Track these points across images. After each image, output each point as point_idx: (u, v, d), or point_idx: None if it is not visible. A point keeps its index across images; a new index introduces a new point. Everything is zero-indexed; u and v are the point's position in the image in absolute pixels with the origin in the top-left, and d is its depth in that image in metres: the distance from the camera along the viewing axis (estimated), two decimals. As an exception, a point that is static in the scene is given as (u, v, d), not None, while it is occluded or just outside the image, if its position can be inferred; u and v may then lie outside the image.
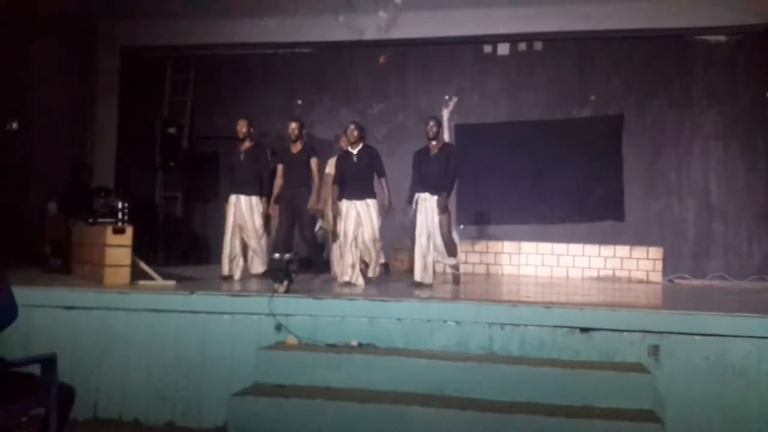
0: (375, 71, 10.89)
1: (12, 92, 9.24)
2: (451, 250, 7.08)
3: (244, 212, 7.35)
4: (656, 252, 9.20)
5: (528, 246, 9.59)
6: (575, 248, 9.44)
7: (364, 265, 7.13)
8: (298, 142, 7.49)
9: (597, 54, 10.36)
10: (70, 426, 3.55)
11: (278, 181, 7.51)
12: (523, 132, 10.37)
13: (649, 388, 4.43)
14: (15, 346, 4.95)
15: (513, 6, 9.91)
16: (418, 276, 6.86)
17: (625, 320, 4.86)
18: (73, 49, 10.76)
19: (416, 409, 4.30)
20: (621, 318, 4.89)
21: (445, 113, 7.57)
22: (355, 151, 7.13)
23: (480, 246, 9.59)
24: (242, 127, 7.55)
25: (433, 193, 6.91)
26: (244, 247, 7.44)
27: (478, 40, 10.53)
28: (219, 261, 7.54)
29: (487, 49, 10.62)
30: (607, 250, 9.34)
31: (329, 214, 7.82)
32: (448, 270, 7.33)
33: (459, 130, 10.09)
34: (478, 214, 10.24)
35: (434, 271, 7.09)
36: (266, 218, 7.48)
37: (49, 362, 3.15)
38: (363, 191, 7.02)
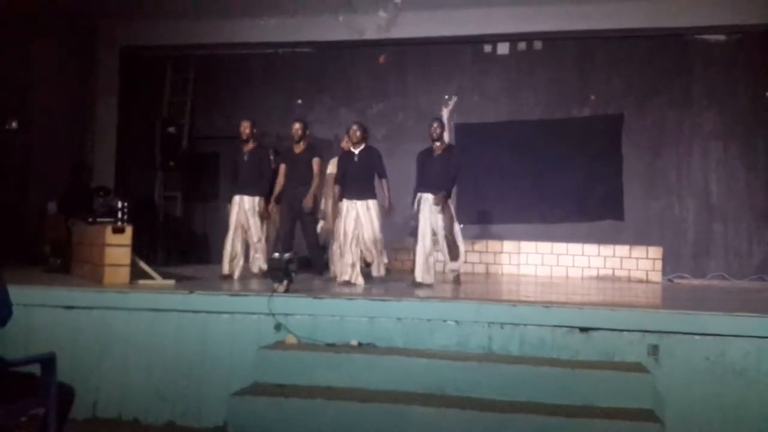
0: (375, 71, 10.89)
1: (12, 92, 9.24)
2: (453, 252, 7.09)
3: (248, 212, 7.37)
4: (656, 251, 9.19)
5: (527, 245, 9.59)
6: (575, 248, 9.44)
7: (365, 265, 7.15)
8: (302, 143, 7.52)
9: (597, 53, 10.36)
10: (70, 425, 3.55)
11: (280, 180, 7.54)
12: (523, 132, 10.38)
13: (649, 388, 4.43)
14: (15, 345, 4.95)
15: (513, 6, 9.91)
16: (419, 276, 6.87)
17: (624, 320, 4.86)
18: (73, 49, 10.77)
19: (416, 408, 4.30)
20: (620, 318, 4.88)
21: (445, 113, 7.57)
22: (357, 151, 7.14)
23: (480, 245, 9.59)
24: (245, 128, 7.57)
25: (435, 193, 6.93)
26: (246, 248, 7.46)
27: (477, 40, 10.53)
28: (219, 260, 7.55)
29: (487, 48, 10.63)
30: (606, 250, 9.35)
31: (329, 214, 7.84)
32: (449, 271, 7.33)
33: (459, 129, 10.09)
34: (478, 214, 10.24)
35: (434, 271, 7.10)
36: (262, 218, 7.47)
37: (48, 362, 3.15)
38: (364, 191, 7.03)
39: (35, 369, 3.16)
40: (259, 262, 7.40)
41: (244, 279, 7.32)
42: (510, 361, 4.73)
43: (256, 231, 7.39)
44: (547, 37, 10.35)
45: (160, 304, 5.45)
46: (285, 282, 5.44)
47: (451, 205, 7.19)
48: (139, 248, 6.60)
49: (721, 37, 10.01)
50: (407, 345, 5.04)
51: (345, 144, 7.79)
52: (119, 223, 6.13)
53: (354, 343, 5.02)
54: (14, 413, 3.08)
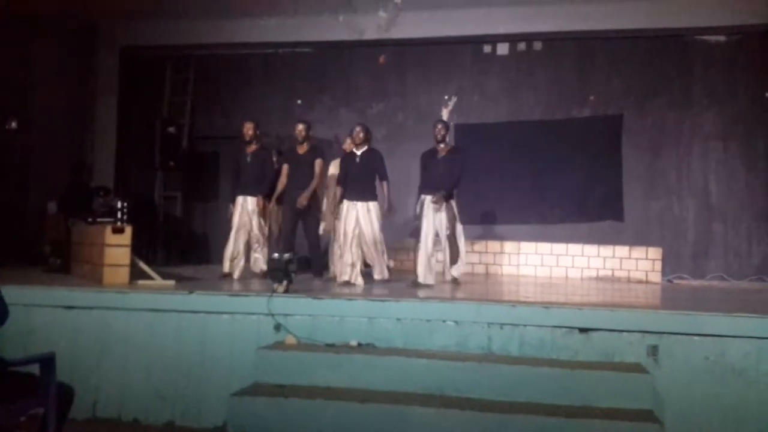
0: (375, 71, 10.89)
1: (12, 92, 9.24)
2: (454, 253, 7.10)
3: (251, 213, 7.43)
4: (655, 252, 9.20)
5: (527, 246, 9.60)
6: (574, 248, 9.44)
7: (365, 266, 7.16)
8: (305, 143, 7.52)
9: (597, 54, 10.35)
10: (69, 425, 3.56)
11: (282, 180, 7.55)
12: (523, 132, 10.37)
13: (648, 389, 4.44)
14: (14, 345, 4.95)
15: (512, 6, 9.91)
16: (421, 277, 6.88)
17: (624, 320, 4.86)
18: (73, 49, 10.76)
19: (416, 409, 4.31)
20: (620, 318, 4.89)
21: (445, 113, 7.60)
22: (359, 153, 7.18)
23: (479, 246, 9.59)
24: (249, 129, 7.61)
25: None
26: (247, 248, 7.49)
27: (477, 40, 10.52)
28: (219, 261, 7.58)
29: (487, 49, 10.61)
30: (606, 251, 9.35)
31: (329, 214, 7.85)
32: (454, 274, 7.34)
33: (459, 130, 10.10)
34: (477, 214, 10.23)
35: (435, 272, 7.11)
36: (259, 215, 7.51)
37: (48, 362, 3.15)
38: (365, 193, 7.06)
39: (35, 369, 3.16)
40: (260, 263, 7.42)
41: (244, 279, 7.33)
42: (509, 361, 4.73)
43: (259, 231, 7.45)
44: (547, 38, 10.34)
45: (160, 304, 5.46)
46: (285, 282, 5.45)
47: (455, 205, 7.19)
48: (138, 248, 6.61)
49: (721, 38, 10.00)
50: (407, 345, 5.04)
51: (347, 146, 7.83)
52: (119, 223, 6.14)
53: (353, 343, 5.02)
54: (14, 413, 3.08)
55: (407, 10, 10.05)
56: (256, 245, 7.46)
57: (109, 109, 11.26)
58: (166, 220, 10.84)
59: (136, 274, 6.24)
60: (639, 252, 9.24)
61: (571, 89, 10.36)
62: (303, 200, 7.26)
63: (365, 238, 7.01)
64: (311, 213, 7.42)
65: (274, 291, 5.37)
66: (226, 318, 5.32)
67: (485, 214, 10.21)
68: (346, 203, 7.11)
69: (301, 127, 7.54)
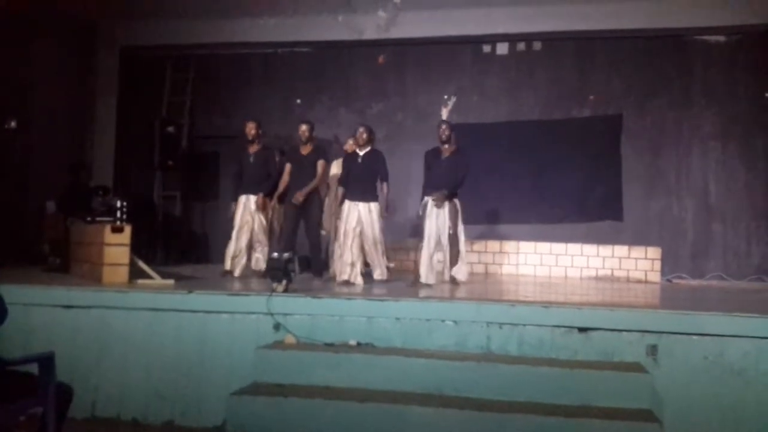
0: (374, 71, 10.89)
1: (12, 92, 9.23)
2: (454, 253, 7.11)
3: (253, 212, 7.50)
4: (655, 252, 9.20)
5: (526, 246, 9.60)
6: (573, 248, 9.44)
7: (364, 266, 7.17)
8: (309, 144, 7.53)
9: (596, 54, 10.36)
10: (69, 425, 3.56)
11: (285, 179, 7.56)
12: (523, 132, 10.37)
13: (648, 388, 4.44)
14: (14, 345, 4.95)
15: (512, 6, 9.91)
16: (423, 277, 6.91)
17: (623, 320, 4.86)
18: (73, 48, 10.77)
19: (415, 408, 4.31)
20: (619, 318, 4.89)
21: (444, 113, 7.60)
22: (361, 153, 7.20)
23: (478, 245, 9.59)
24: (251, 129, 7.65)
25: None
26: (249, 247, 7.54)
27: (477, 40, 10.52)
28: (218, 260, 7.62)
29: (486, 48, 10.61)
30: (605, 250, 9.35)
31: (330, 215, 7.86)
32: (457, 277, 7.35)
33: (458, 129, 9.97)
34: (476, 214, 10.20)
35: (436, 272, 7.14)
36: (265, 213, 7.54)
37: (47, 361, 3.15)
38: (366, 193, 7.09)
39: (34, 368, 3.16)
40: (261, 263, 7.46)
41: (245, 278, 7.35)
42: (508, 361, 4.73)
43: (261, 231, 7.49)
44: (547, 38, 10.34)
45: (159, 303, 5.46)
46: (284, 282, 5.45)
47: (458, 205, 7.20)
48: (138, 247, 6.61)
49: (721, 38, 10.00)
50: (406, 345, 5.04)
51: (349, 146, 7.85)
52: (118, 223, 6.14)
53: (353, 342, 5.02)
54: (13, 412, 3.08)
55: (406, 10, 10.04)
56: (258, 245, 7.51)
57: (108, 109, 11.26)
58: (165, 220, 10.84)
59: (135, 273, 6.24)
60: (638, 252, 9.24)
61: (571, 89, 10.36)
62: (300, 196, 7.26)
63: (366, 238, 7.05)
64: (313, 213, 7.43)
65: (273, 290, 5.37)
66: (225, 317, 5.32)
67: (485, 214, 10.21)
68: (347, 203, 7.13)
69: (304, 127, 7.55)
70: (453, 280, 7.17)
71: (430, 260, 6.95)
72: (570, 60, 10.42)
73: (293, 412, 4.42)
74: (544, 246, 9.53)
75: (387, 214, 7.19)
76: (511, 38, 10.45)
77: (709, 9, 9.62)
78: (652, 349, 4.73)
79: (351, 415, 4.34)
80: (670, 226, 9.93)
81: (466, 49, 10.67)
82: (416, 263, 7.26)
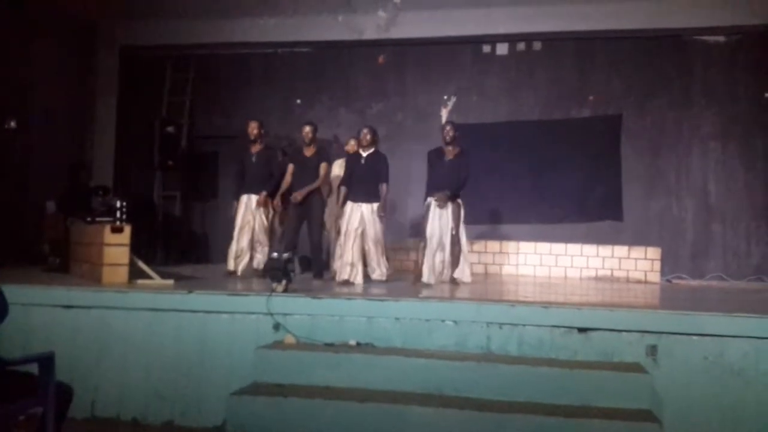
0: (374, 71, 10.89)
1: (11, 91, 9.24)
2: (455, 254, 7.12)
3: (255, 212, 7.52)
4: (654, 252, 9.20)
5: (526, 246, 9.60)
6: (573, 248, 9.44)
7: (364, 267, 7.18)
8: (312, 145, 7.53)
9: (596, 54, 10.35)
10: (68, 425, 3.56)
11: (287, 179, 7.56)
12: (523, 132, 10.37)
13: (647, 388, 4.44)
14: (13, 344, 4.95)
15: (512, 6, 9.91)
16: (425, 277, 6.94)
17: (623, 320, 4.86)
18: (73, 48, 10.77)
19: (415, 408, 4.31)
20: (619, 318, 4.89)
21: (444, 113, 7.61)
22: (365, 154, 7.21)
23: (478, 246, 9.59)
24: (253, 128, 7.68)
25: None
26: (251, 246, 7.57)
27: (477, 40, 10.52)
28: (218, 260, 7.63)
29: (486, 49, 10.61)
30: (605, 250, 9.35)
31: (331, 215, 7.87)
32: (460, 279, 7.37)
33: (458, 130, 10.06)
34: (476, 214, 10.20)
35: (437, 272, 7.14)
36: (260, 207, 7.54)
37: (47, 361, 3.15)
38: (369, 194, 7.12)
39: (34, 368, 3.16)
40: (261, 262, 7.46)
41: (245, 278, 7.36)
42: (508, 361, 4.73)
43: (262, 231, 7.51)
44: (547, 38, 10.34)
45: (159, 303, 5.46)
46: (284, 282, 5.44)
47: (461, 205, 7.21)
48: (137, 248, 6.60)
49: (721, 38, 10.00)
50: (406, 345, 5.04)
51: (350, 146, 7.87)
52: (118, 223, 6.14)
53: (352, 342, 5.02)
54: (13, 412, 3.08)
55: (406, 10, 10.05)
56: (258, 245, 7.53)
57: (108, 109, 11.27)
58: (165, 220, 10.84)
59: (135, 273, 6.24)
60: (638, 252, 9.24)
61: (571, 89, 10.36)
62: (298, 195, 7.28)
63: (368, 239, 7.08)
64: (315, 213, 7.43)
65: (273, 290, 5.37)
66: (225, 317, 5.32)
67: (484, 214, 10.20)
68: (350, 204, 7.15)
69: (308, 129, 7.55)
70: (453, 281, 7.18)
71: (432, 260, 6.98)
72: (570, 60, 10.41)
73: (293, 412, 4.42)
74: (543, 246, 9.54)
75: (383, 214, 7.19)
76: (511, 38, 10.45)
77: (709, 9, 9.62)
78: (652, 350, 4.73)
79: (351, 415, 4.34)
80: (670, 226, 9.93)
81: (466, 49, 10.67)
82: (418, 263, 7.28)
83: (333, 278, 7.22)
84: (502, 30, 10.25)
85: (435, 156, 7.31)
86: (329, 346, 4.97)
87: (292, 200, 7.32)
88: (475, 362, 4.65)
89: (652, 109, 10.11)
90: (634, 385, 4.44)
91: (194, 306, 5.39)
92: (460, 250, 7.18)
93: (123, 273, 6.12)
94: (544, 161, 10.16)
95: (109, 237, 6.08)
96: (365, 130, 7.29)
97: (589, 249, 9.41)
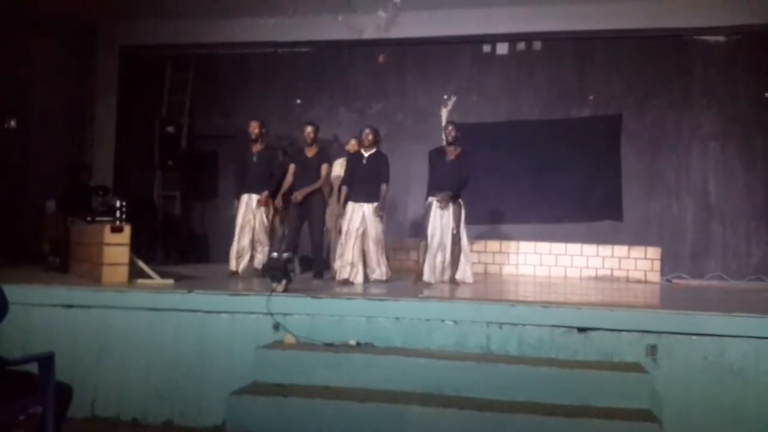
0: (374, 71, 10.89)
1: (11, 91, 9.24)
2: (455, 254, 7.12)
3: (255, 211, 7.52)
4: (654, 252, 9.20)
5: (526, 245, 9.60)
6: (573, 248, 9.45)
7: (365, 267, 7.18)
8: (314, 146, 7.52)
9: (596, 54, 10.36)
10: (68, 424, 3.56)
11: (289, 179, 7.56)
12: (522, 132, 10.37)
13: (647, 388, 4.44)
14: (13, 344, 4.95)
15: (512, 6, 9.91)
16: (426, 276, 6.96)
17: (623, 320, 4.86)
18: (73, 48, 10.77)
19: (414, 408, 4.31)
20: (619, 318, 4.89)
21: (444, 113, 7.58)
22: (366, 154, 7.21)
23: (478, 245, 9.59)
24: (254, 128, 7.67)
25: None
26: (252, 245, 7.57)
27: (477, 40, 10.52)
28: (218, 260, 7.63)
29: (486, 48, 10.62)
30: (605, 250, 9.35)
31: (332, 215, 7.87)
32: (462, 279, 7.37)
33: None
34: (476, 214, 10.18)
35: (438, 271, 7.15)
36: (261, 205, 7.54)
37: (46, 361, 3.15)
38: (370, 194, 7.12)
39: (33, 368, 3.16)
40: (261, 262, 7.46)
41: (245, 278, 7.36)
42: (508, 361, 4.73)
43: (262, 230, 7.51)
44: (547, 38, 10.34)
45: (159, 303, 5.45)
46: (283, 281, 5.44)
47: (462, 206, 7.22)
48: (137, 247, 6.61)
49: (721, 38, 10.00)
50: (405, 345, 5.04)
51: (350, 146, 7.86)
52: (118, 222, 6.14)
53: (352, 342, 5.02)
54: (13, 412, 3.08)
55: (406, 10, 10.03)
56: (258, 245, 7.53)
57: (108, 109, 11.26)
58: (165, 220, 10.84)
59: (135, 273, 6.24)
60: (638, 252, 9.25)
61: (571, 89, 10.36)
62: (299, 195, 7.28)
63: (369, 238, 7.08)
64: (316, 213, 7.43)
65: (273, 290, 5.37)
66: (225, 317, 5.32)
67: (484, 214, 10.20)
68: (351, 204, 7.15)
69: (309, 129, 7.54)
70: (453, 281, 7.18)
71: (433, 260, 7.01)
72: (570, 60, 10.42)
73: (293, 411, 4.41)
74: (543, 246, 9.54)
75: (382, 213, 7.19)
76: (511, 38, 10.45)
77: (709, 9, 9.61)
78: (652, 349, 4.73)
79: (351, 415, 4.34)
80: (670, 226, 9.94)
81: (465, 49, 10.67)
82: (419, 262, 7.30)
83: (333, 278, 7.22)
84: (502, 30, 10.25)
85: (436, 155, 7.32)
86: (329, 346, 4.97)
87: (293, 200, 7.32)
88: (475, 362, 4.65)
89: (652, 109, 10.11)
90: (633, 384, 4.44)
91: (194, 306, 5.39)
92: (460, 250, 7.19)
93: (123, 273, 6.12)
94: (544, 161, 10.16)
95: (109, 237, 6.08)
96: (367, 130, 7.29)
97: (589, 249, 9.41)
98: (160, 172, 10.81)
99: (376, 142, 7.27)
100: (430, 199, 7.18)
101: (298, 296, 5.37)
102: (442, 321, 5.06)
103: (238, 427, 4.46)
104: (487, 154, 10.11)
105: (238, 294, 5.56)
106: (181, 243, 10.97)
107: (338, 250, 7.37)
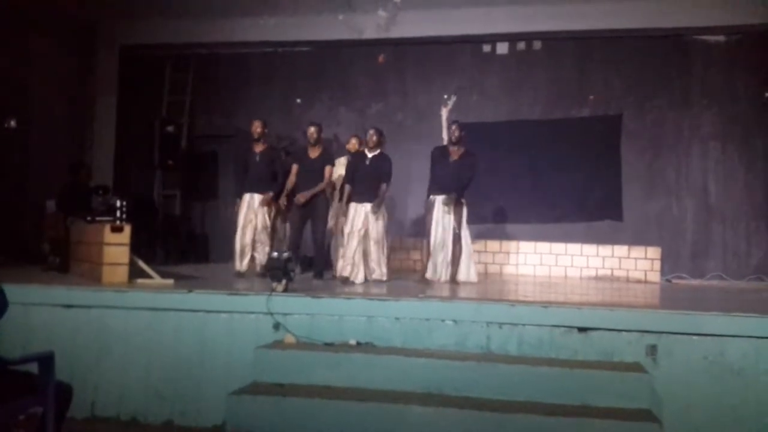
0: (374, 70, 10.88)
1: (11, 91, 9.24)
2: (456, 254, 7.13)
3: (257, 211, 7.52)
4: (654, 252, 9.21)
5: (526, 245, 9.61)
6: (573, 248, 9.45)
7: (366, 267, 7.19)
8: (317, 146, 7.51)
9: (596, 54, 10.35)
10: (68, 424, 3.56)
11: (292, 179, 7.55)
12: (522, 132, 10.36)
13: (647, 388, 4.44)
14: (13, 344, 4.95)
15: (512, 5, 9.90)
16: (429, 274, 7.04)
17: (623, 320, 4.86)
18: (73, 48, 10.77)
19: (414, 408, 4.31)
20: (619, 318, 4.89)
21: (444, 112, 7.57)
22: (370, 155, 7.22)
23: (478, 245, 9.57)
24: (257, 127, 7.67)
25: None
26: (254, 244, 7.58)
27: (477, 40, 10.52)
28: (218, 259, 7.62)
29: (486, 48, 10.61)
30: (605, 250, 9.36)
31: (333, 214, 7.88)
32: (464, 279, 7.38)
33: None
34: (476, 213, 10.19)
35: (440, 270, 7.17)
36: (265, 205, 7.55)
37: (46, 360, 3.15)
38: (372, 195, 7.11)
39: (33, 367, 3.16)
40: (262, 261, 7.47)
41: (246, 277, 7.36)
42: (508, 360, 4.73)
43: (263, 230, 7.52)
44: (547, 37, 10.33)
45: (159, 303, 5.46)
46: (284, 281, 5.44)
47: (464, 205, 7.22)
48: (137, 247, 6.61)
49: (721, 38, 10.00)
50: (405, 344, 5.04)
51: (351, 145, 7.86)
52: (118, 222, 6.14)
53: (352, 342, 5.02)
54: (12, 412, 3.08)
55: (406, 10, 10.02)
56: (259, 245, 7.53)
57: (108, 109, 11.25)
58: (165, 219, 10.84)
59: (135, 272, 6.24)
60: (638, 251, 9.25)
61: (571, 89, 10.35)
62: (301, 197, 7.28)
63: (370, 239, 7.09)
64: (319, 214, 7.42)
65: (273, 290, 5.37)
66: (225, 317, 5.32)
67: (484, 214, 10.20)
68: (354, 205, 7.15)
69: (312, 129, 7.52)
70: (454, 281, 7.18)
71: (435, 258, 7.05)
72: (570, 60, 10.41)
73: (293, 411, 4.42)
74: (543, 246, 9.54)
75: (377, 210, 7.16)
76: (511, 38, 10.45)
77: (709, 9, 9.61)
78: (652, 349, 4.73)
79: (351, 415, 4.34)
80: (670, 226, 9.93)
81: (465, 48, 10.67)
82: (423, 261, 7.32)
83: (333, 277, 7.23)
84: (502, 29, 10.25)
85: (439, 154, 7.31)
86: (329, 346, 4.97)
87: (296, 202, 7.31)
88: (475, 362, 4.65)
89: (652, 109, 10.11)
90: (633, 384, 4.44)
91: (194, 305, 5.40)
92: (461, 250, 7.20)
93: (123, 272, 6.12)
94: (544, 161, 10.15)
95: (109, 236, 6.08)
96: (371, 131, 7.29)
97: (589, 248, 9.41)
98: (160, 172, 10.82)
99: (380, 143, 7.28)
100: (431, 197, 7.18)
101: (298, 296, 5.37)
102: (442, 321, 5.07)
103: (238, 426, 4.46)
104: (487, 153, 10.07)
105: (237, 294, 5.56)
106: (181, 243, 10.96)
107: (340, 250, 7.38)
